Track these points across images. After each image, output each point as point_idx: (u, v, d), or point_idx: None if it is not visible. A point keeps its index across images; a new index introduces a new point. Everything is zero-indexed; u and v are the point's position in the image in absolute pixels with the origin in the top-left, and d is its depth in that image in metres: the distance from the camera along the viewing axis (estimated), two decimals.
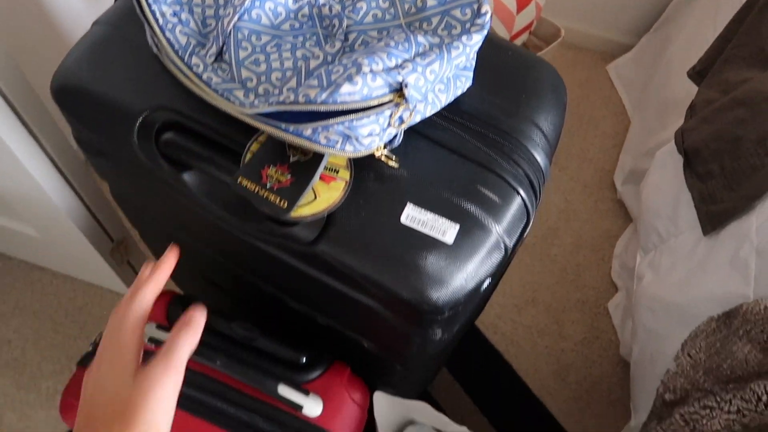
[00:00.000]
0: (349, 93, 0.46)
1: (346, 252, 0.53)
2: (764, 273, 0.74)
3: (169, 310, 0.71)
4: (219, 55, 0.54)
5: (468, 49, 0.52)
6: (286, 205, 0.50)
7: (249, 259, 0.65)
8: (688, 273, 0.88)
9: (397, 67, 0.49)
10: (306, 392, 0.67)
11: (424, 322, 0.55)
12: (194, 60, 0.53)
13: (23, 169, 0.83)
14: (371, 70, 0.47)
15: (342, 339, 0.70)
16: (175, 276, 0.83)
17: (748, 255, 0.77)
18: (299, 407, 0.65)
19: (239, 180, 0.51)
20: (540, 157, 0.60)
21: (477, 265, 0.53)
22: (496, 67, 0.61)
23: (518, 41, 1.24)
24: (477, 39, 0.52)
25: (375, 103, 0.47)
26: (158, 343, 0.67)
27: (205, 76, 0.52)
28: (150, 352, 0.67)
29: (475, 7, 0.54)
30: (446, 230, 0.52)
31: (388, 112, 0.49)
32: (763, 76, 0.86)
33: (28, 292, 1.20)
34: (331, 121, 0.48)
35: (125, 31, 0.60)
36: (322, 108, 0.46)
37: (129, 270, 1.13)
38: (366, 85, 0.46)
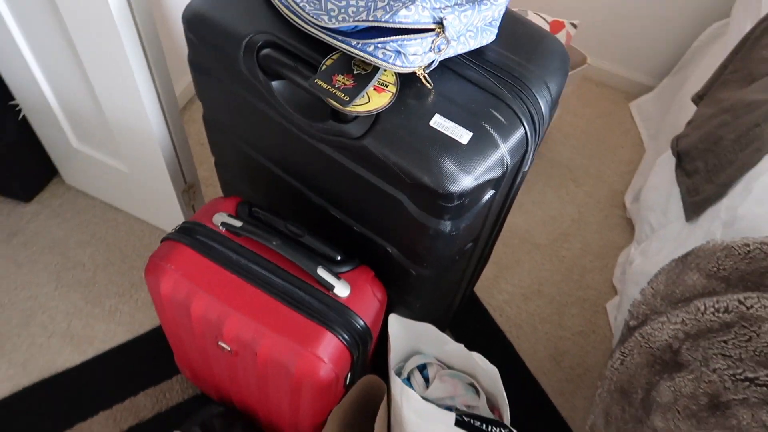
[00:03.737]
0: (405, 16, 0.65)
1: (386, 145, 0.71)
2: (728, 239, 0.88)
3: (238, 208, 0.89)
4: None
5: (494, 7, 0.71)
6: (348, 98, 0.68)
7: (306, 164, 0.83)
8: (670, 253, 1.02)
9: (441, 8, 0.68)
10: (338, 277, 0.83)
11: (438, 209, 0.72)
12: None
13: (140, 106, 1.02)
14: (422, 6, 0.66)
15: (371, 247, 0.87)
16: (241, 192, 1.01)
17: (716, 229, 0.91)
18: (331, 287, 0.82)
19: (316, 81, 0.70)
20: (543, 105, 0.77)
21: (482, 168, 0.70)
22: (516, 34, 0.80)
23: None
24: (501, 1, 0.71)
25: (422, 27, 0.66)
26: (228, 227, 0.85)
27: (301, 5, 0.72)
28: (219, 235, 0.85)
29: None
30: (462, 134, 0.70)
31: (429, 39, 0.68)
32: (745, 91, 1.02)
33: (104, 227, 1.40)
34: (388, 38, 0.67)
35: None
36: (384, 25, 0.65)
37: (192, 214, 1.33)
38: (417, 13, 0.66)
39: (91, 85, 1.08)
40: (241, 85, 0.80)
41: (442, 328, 1.25)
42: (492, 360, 0.92)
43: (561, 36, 1.40)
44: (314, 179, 0.85)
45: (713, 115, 1.05)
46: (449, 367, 1.02)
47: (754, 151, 0.92)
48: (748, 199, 0.88)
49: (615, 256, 1.47)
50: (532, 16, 1.39)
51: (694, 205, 1.01)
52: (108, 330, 1.26)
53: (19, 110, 1.28)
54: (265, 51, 0.75)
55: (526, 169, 0.82)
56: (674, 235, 1.06)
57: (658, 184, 1.17)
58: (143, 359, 1.23)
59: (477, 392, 0.99)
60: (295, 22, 0.74)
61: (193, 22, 0.80)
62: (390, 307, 0.95)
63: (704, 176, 1.01)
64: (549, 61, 0.79)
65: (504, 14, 0.80)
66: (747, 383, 0.67)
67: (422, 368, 1.03)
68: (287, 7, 0.74)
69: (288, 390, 0.84)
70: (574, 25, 1.43)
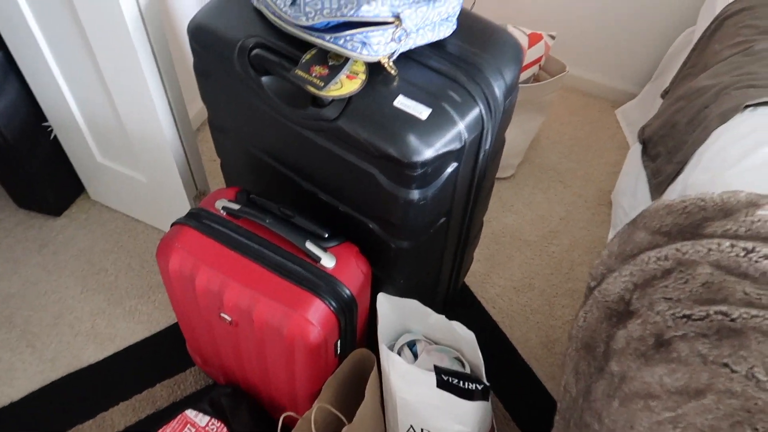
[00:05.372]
0: (367, 10, 0.77)
1: (357, 124, 0.82)
2: None
3: (237, 195, 1.00)
4: (293, 2, 0.86)
5: (447, 4, 0.83)
6: (323, 84, 0.80)
7: (294, 151, 0.94)
8: None
9: (399, 5, 0.80)
10: (325, 250, 0.93)
11: (405, 179, 0.82)
12: (278, 2, 0.86)
13: (156, 117, 1.16)
14: (382, 2, 0.78)
15: (355, 226, 0.97)
16: (244, 183, 1.13)
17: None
18: (319, 258, 0.92)
19: (296, 72, 0.82)
20: (497, 89, 0.88)
21: (441, 141, 0.81)
22: (472, 29, 0.91)
23: (530, 71, 1.53)
24: None
25: (382, 20, 0.78)
26: (228, 210, 0.96)
27: (283, 10, 0.84)
28: (220, 218, 0.96)
29: None
30: (422, 111, 0.80)
31: (390, 31, 0.79)
32: (700, 77, 1.12)
33: (126, 236, 1.53)
34: (355, 31, 0.78)
35: None
36: (350, 19, 0.77)
37: None
38: (377, 8, 0.77)
39: (113, 101, 1.22)
40: (237, 83, 0.93)
41: None
42: (486, 349, 0.99)
43: (540, 47, 1.52)
44: (302, 165, 0.96)
45: (671, 104, 1.14)
46: (436, 343, 1.10)
47: (702, 130, 1.01)
48: (696, 170, 0.96)
49: (602, 249, 1.54)
50: (511, 30, 1.51)
51: (658, 186, 1.09)
52: (128, 328, 1.37)
53: (51, 131, 1.43)
54: (255, 51, 0.88)
55: (487, 148, 0.92)
56: None
57: (629, 170, 1.26)
58: (160, 354, 1.33)
59: (462, 365, 1.07)
60: (279, 24, 0.87)
61: (196, 32, 0.94)
62: (378, 287, 1.04)
63: (665, 158, 1.10)
64: (502, 51, 0.90)
65: (460, 11, 0.91)
66: (685, 320, 0.75)
67: (411, 345, 1.11)
68: (272, 12, 0.87)
69: (283, 355, 0.93)
70: (552, 37, 1.55)
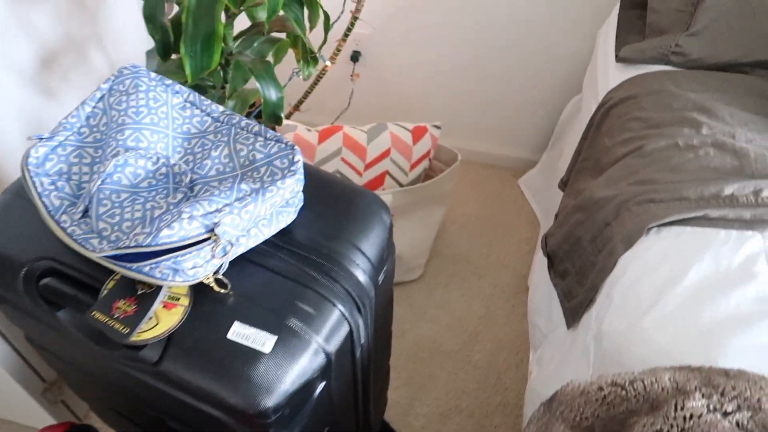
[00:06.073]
0: (168, 236, 0.59)
1: (185, 368, 0.63)
2: (599, 357, 0.83)
3: None
4: (85, 212, 0.67)
5: (282, 191, 0.66)
6: (128, 330, 0.61)
7: (123, 383, 0.74)
8: (558, 365, 0.96)
9: (216, 211, 0.62)
10: None
11: (259, 426, 0.64)
12: (63, 217, 0.66)
13: None
14: (190, 216, 0.60)
15: None
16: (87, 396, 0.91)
17: (589, 342, 0.86)
18: None
19: (92, 314, 0.62)
20: (363, 276, 0.71)
21: (295, 372, 0.63)
22: (325, 200, 0.75)
23: (420, 167, 1.39)
24: (290, 182, 0.66)
25: (192, 242, 0.60)
26: None
27: (69, 230, 0.65)
28: None
29: (291, 157, 0.68)
30: (265, 342, 0.63)
31: (208, 248, 0.61)
32: (594, 184, 1.00)
33: None
34: (160, 258, 0.60)
35: (23, 198, 0.74)
36: (147, 249, 0.59)
37: (64, 409, 1.20)
38: (183, 228, 0.59)
39: None
40: (32, 315, 0.72)
41: None
42: None
43: (426, 140, 1.38)
44: (137, 396, 0.76)
45: (570, 213, 1.02)
46: None
47: (608, 255, 0.88)
48: (610, 309, 0.83)
49: (528, 348, 1.41)
50: (392, 128, 1.37)
51: (572, 311, 0.96)
52: None
53: None
54: (45, 281, 0.68)
55: (363, 342, 0.75)
56: (561, 341, 1.00)
57: (539, 283, 1.13)
58: None
59: None
60: (69, 243, 0.67)
61: None
62: None
63: (575, 278, 0.97)
64: (362, 221, 0.74)
65: (308, 173, 0.75)
66: None
67: None
68: (63, 230, 0.67)
69: None
70: (437, 127, 1.42)
